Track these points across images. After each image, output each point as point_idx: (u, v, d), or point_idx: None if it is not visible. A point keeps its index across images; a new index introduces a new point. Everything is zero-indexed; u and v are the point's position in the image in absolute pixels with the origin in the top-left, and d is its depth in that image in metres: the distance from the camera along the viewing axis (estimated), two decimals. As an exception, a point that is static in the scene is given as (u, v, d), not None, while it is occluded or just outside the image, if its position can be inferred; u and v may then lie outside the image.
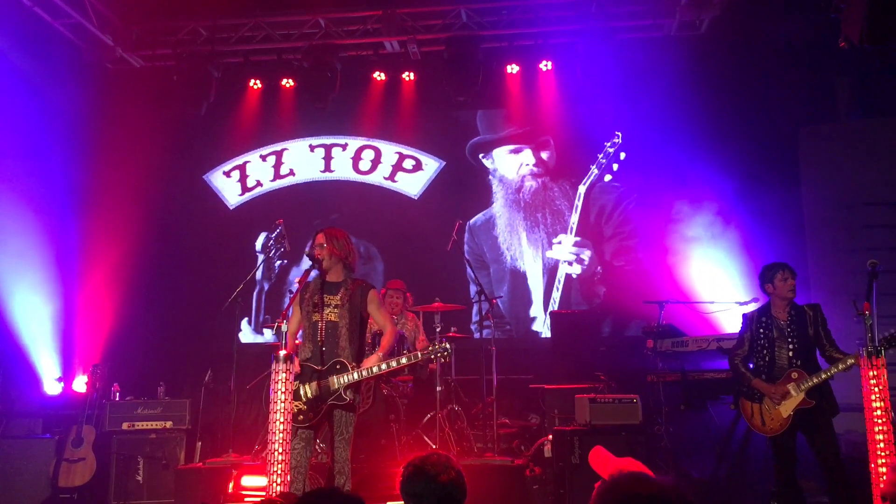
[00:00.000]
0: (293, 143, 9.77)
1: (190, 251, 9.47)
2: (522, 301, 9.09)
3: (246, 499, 6.05)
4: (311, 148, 9.76)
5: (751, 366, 5.38)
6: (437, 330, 6.86)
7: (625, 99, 8.73)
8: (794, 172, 8.43)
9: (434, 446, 6.57)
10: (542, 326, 8.98)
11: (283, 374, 4.35)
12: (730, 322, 7.43)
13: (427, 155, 9.52)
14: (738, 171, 8.23)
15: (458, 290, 8.65)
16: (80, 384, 8.05)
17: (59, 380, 8.17)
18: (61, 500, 6.87)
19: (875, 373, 4.54)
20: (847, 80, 8.54)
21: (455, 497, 2.62)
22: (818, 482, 5.58)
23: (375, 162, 9.62)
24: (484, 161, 9.41)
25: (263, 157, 9.79)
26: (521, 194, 9.24)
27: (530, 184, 9.23)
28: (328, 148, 9.73)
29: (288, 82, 9.20)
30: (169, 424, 7.33)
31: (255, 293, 9.40)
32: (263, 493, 4.92)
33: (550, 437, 6.46)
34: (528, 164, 9.27)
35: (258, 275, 9.28)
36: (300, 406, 4.80)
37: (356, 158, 9.66)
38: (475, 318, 8.21)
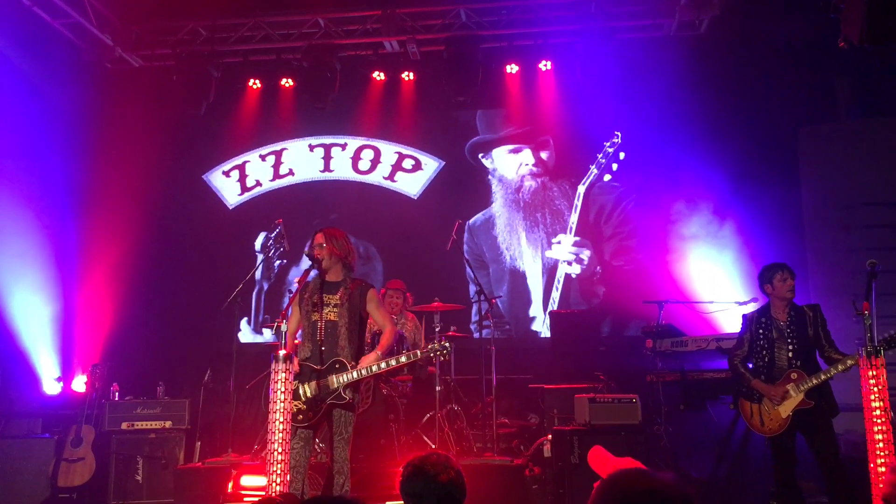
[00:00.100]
0: (292, 143, 9.77)
1: (189, 251, 9.47)
2: (522, 301, 9.09)
3: (245, 498, 6.04)
4: (311, 148, 9.76)
5: (750, 366, 5.38)
6: (437, 329, 6.86)
7: (624, 99, 8.73)
8: (794, 172, 8.44)
9: (433, 446, 6.57)
10: (541, 326, 8.98)
11: (283, 374, 4.35)
12: (729, 322, 7.43)
13: (426, 155, 9.52)
14: (738, 171, 8.23)
15: (458, 289, 8.65)
16: (79, 384, 8.05)
17: (59, 379, 8.18)
18: (60, 499, 6.87)
19: (874, 373, 4.53)
20: (847, 80, 8.54)
21: (454, 497, 2.62)
22: (817, 482, 5.58)
23: (375, 162, 9.62)
24: (483, 161, 9.41)
25: (263, 157, 9.79)
26: (520, 194, 9.24)
27: (530, 184, 9.23)
28: (327, 148, 9.73)
29: (287, 82, 9.20)
30: (168, 424, 7.33)
31: (254, 293, 9.41)
32: (263, 493, 4.92)
33: (550, 436, 6.46)
34: (527, 164, 9.27)
35: (257, 274, 9.27)
36: (299, 406, 4.80)
37: (355, 158, 9.66)
38: (474, 317, 8.21)
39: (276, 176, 9.75)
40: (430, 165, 9.49)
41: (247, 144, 9.75)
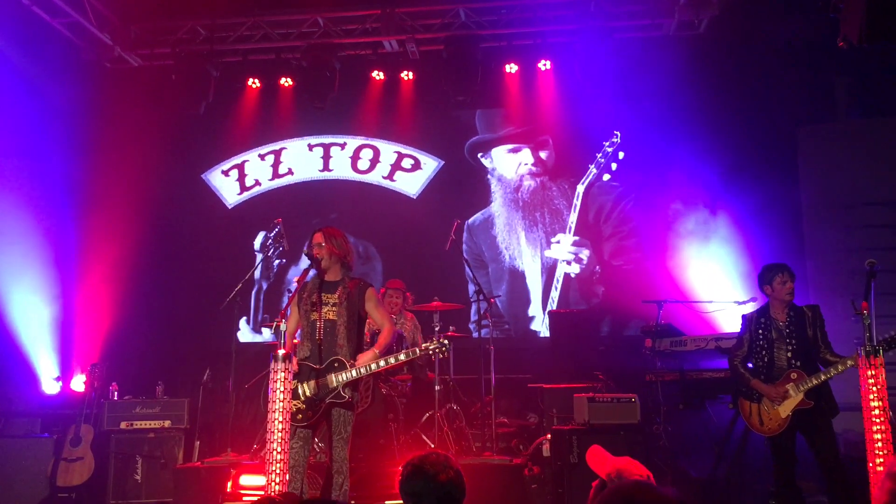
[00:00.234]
0: (292, 143, 9.77)
1: (188, 250, 9.47)
2: (521, 300, 9.09)
3: (244, 498, 6.03)
4: (310, 147, 9.75)
5: (750, 366, 5.38)
6: (436, 329, 6.87)
7: (624, 98, 8.73)
8: (793, 172, 8.44)
9: (432, 445, 6.57)
10: (540, 326, 8.98)
11: (282, 374, 4.35)
12: (728, 321, 7.43)
13: (426, 154, 9.51)
14: (737, 171, 8.23)
15: (457, 289, 8.65)
16: (78, 383, 8.03)
17: (58, 379, 8.17)
18: (59, 499, 6.86)
19: (873, 372, 4.54)
20: (846, 79, 8.55)
21: (454, 496, 2.62)
22: (817, 482, 5.59)
23: (374, 161, 9.61)
24: (482, 160, 9.41)
25: (262, 157, 9.79)
26: (519, 193, 9.24)
27: (529, 183, 9.23)
28: (327, 147, 9.73)
29: (286, 81, 9.20)
30: (167, 424, 7.33)
31: (253, 292, 9.41)
32: (262, 493, 4.92)
33: (549, 436, 6.45)
34: (526, 164, 9.27)
35: (257, 274, 9.27)
36: (299, 405, 4.79)
37: (355, 158, 9.66)
38: (474, 317, 8.20)
39: (276, 175, 9.75)
40: (430, 165, 9.49)
41: (246, 144, 9.75)
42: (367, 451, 6.59)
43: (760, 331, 5.33)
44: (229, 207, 9.73)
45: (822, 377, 5.05)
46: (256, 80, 9.26)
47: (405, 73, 9.17)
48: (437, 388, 6.62)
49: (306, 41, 8.76)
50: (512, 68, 8.99)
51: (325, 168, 9.70)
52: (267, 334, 9.08)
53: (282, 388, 4.34)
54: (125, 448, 7.17)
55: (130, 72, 9.29)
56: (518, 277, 9.13)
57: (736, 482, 6.24)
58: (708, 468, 6.37)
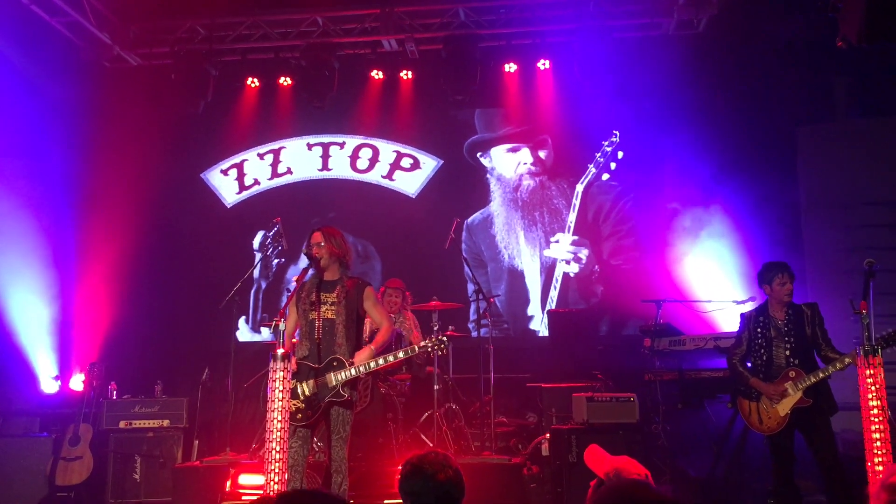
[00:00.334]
0: (291, 142, 9.76)
1: (187, 249, 9.46)
2: (520, 300, 9.10)
3: (243, 497, 6.04)
4: (309, 146, 9.75)
5: (748, 365, 5.38)
6: (435, 329, 6.87)
7: (623, 98, 8.73)
8: (793, 171, 8.45)
9: (431, 445, 6.57)
10: (539, 325, 8.99)
11: (281, 373, 4.35)
12: (727, 321, 7.44)
13: (425, 153, 9.51)
14: (736, 170, 8.23)
15: (456, 288, 8.66)
16: (77, 383, 8.03)
17: (56, 378, 8.16)
18: (58, 498, 6.85)
19: (871, 371, 4.54)
20: (845, 79, 8.55)
21: (453, 495, 2.62)
22: (815, 481, 5.59)
23: (373, 160, 9.61)
24: (482, 160, 9.41)
25: (261, 156, 9.78)
26: (518, 193, 9.24)
27: (528, 182, 9.23)
28: (326, 146, 9.73)
29: (285, 81, 9.20)
30: (166, 423, 7.33)
31: (252, 291, 9.40)
32: (261, 492, 4.92)
33: (548, 435, 6.46)
34: (525, 163, 9.28)
35: (256, 273, 9.26)
36: (298, 404, 4.79)
37: (354, 157, 9.65)
38: (473, 316, 8.21)
39: (275, 175, 9.74)
40: (429, 164, 9.48)
41: (245, 143, 9.75)
42: (366, 450, 6.59)
43: (759, 329, 5.34)
44: (228, 207, 9.73)
45: (821, 375, 5.06)
46: (255, 80, 9.27)
47: (404, 72, 9.17)
48: (436, 387, 6.62)
49: (305, 40, 8.75)
50: (511, 68, 8.99)
51: (325, 167, 9.69)
52: (266, 333, 9.08)
53: (281, 388, 4.34)
54: (124, 447, 7.18)
55: (129, 71, 9.29)
56: (517, 277, 9.13)
57: (735, 481, 6.25)
58: (707, 467, 6.38)
